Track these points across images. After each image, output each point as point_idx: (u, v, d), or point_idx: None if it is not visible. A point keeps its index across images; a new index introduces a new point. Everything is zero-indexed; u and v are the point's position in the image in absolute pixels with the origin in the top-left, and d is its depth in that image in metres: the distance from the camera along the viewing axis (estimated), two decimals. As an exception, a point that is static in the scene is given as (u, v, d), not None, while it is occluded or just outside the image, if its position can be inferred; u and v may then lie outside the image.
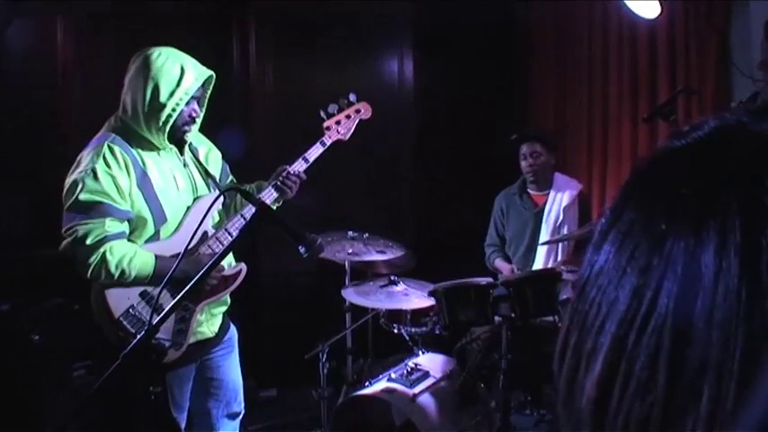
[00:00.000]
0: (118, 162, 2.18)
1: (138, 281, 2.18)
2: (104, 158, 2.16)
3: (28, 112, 3.96)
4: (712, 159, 0.36)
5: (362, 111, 2.70)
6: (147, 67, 2.19)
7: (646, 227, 0.36)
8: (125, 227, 2.20)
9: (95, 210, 2.13)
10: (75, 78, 4.09)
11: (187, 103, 2.25)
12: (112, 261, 2.12)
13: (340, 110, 2.66)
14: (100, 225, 2.12)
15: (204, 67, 2.30)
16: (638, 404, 0.33)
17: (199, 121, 2.37)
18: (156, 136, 2.25)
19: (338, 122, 2.64)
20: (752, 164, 0.34)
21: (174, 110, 2.21)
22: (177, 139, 2.33)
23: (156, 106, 2.19)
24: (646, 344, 0.33)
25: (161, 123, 2.21)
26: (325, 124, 2.63)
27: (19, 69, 3.99)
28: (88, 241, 2.11)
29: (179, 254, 1.88)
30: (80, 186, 2.13)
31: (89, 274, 2.14)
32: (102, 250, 2.11)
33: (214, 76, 2.34)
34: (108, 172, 2.15)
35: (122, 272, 2.13)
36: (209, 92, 2.36)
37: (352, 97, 2.70)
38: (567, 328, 0.39)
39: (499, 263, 3.60)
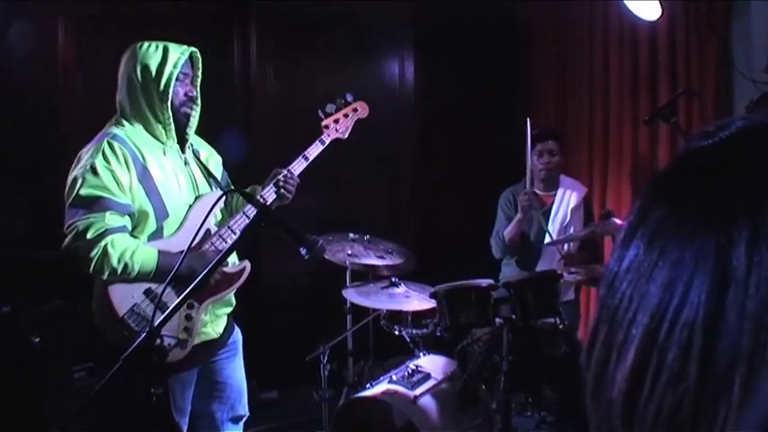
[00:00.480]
0: (117, 157, 2.19)
1: (141, 276, 2.16)
2: (103, 154, 2.17)
3: (28, 111, 3.95)
4: (741, 158, 0.36)
5: (360, 110, 2.73)
6: (134, 55, 2.28)
7: (677, 224, 0.36)
8: (126, 221, 2.19)
9: (96, 204, 2.13)
10: (76, 79, 4.09)
11: (178, 79, 2.28)
12: (114, 254, 2.11)
13: (338, 109, 2.69)
14: (100, 219, 2.12)
15: (186, 46, 2.36)
16: (670, 394, 0.34)
17: (198, 104, 2.38)
18: (161, 116, 2.27)
19: (336, 121, 2.67)
20: None
21: (167, 84, 2.25)
22: (181, 129, 2.35)
23: (150, 84, 2.26)
24: (678, 336, 0.34)
25: (161, 101, 2.25)
26: (324, 123, 2.66)
27: (20, 69, 4.00)
28: (89, 235, 2.11)
29: (183, 252, 1.88)
30: (80, 182, 2.14)
31: (91, 268, 2.12)
32: (102, 244, 2.10)
33: (198, 53, 2.39)
34: (107, 167, 2.16)
35: (125, 266, 2.12)
36: (199, 72, 2.40)
37: (349, 97, 2.73)
38: (596, 321, 0.40)
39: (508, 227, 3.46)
